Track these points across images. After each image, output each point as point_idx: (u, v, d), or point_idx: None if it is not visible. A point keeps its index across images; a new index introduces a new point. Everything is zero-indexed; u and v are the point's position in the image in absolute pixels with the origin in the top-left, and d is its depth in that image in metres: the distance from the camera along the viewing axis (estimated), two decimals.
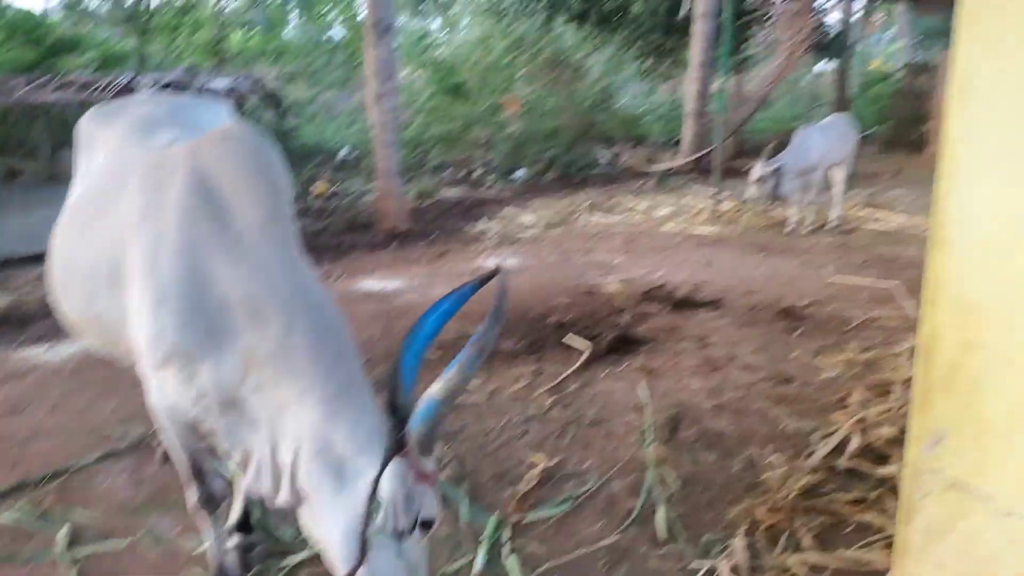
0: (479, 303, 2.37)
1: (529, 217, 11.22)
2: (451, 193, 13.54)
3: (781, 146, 9.59)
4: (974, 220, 1.91)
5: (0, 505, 3.76)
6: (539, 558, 3.31)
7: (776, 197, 9.26)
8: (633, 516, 3.59)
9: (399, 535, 2.31)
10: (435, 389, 2.25)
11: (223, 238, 2.58)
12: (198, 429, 2.79)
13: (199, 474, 2.85)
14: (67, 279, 3.07)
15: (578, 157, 16.01)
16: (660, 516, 3.56)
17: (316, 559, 3.33)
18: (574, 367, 5.27)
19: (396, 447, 2.27)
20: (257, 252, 2.57)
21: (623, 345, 5.68)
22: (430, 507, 2.36)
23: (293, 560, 3.34)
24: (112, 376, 5.28)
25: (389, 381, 2.27)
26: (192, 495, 2.87)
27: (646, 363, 5.38)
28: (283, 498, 2.49)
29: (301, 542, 3.44)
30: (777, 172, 9.03)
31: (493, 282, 2.42)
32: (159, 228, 2.62)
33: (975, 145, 1.89)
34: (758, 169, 9.10)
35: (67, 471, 4.06)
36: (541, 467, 3.99)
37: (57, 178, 12.40)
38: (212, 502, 2.89)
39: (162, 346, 2.54)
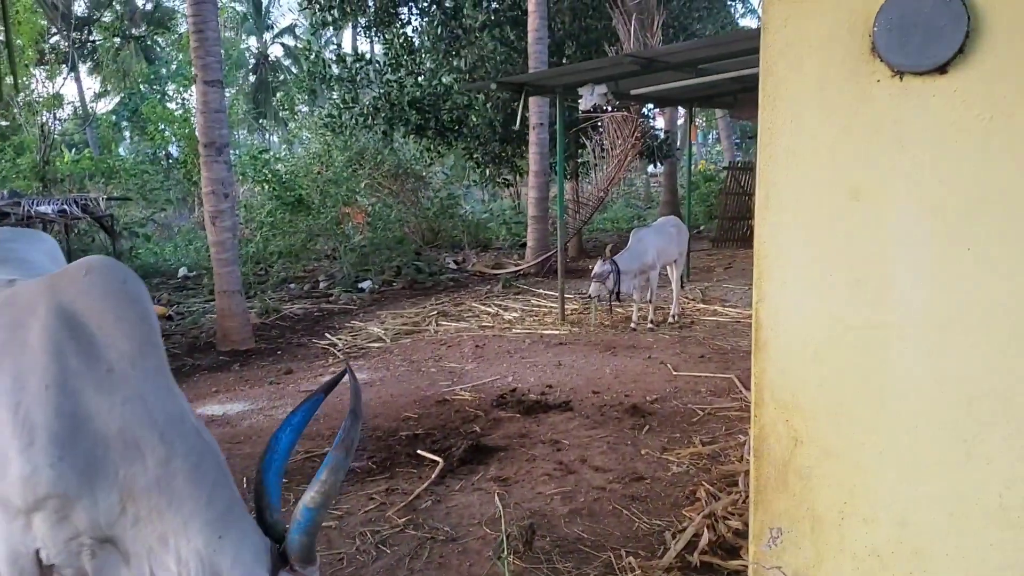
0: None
1: (377, 328, 11.13)
2: (296, 308, 13.30)
3: (619, 246, 10.00)
4: (786, 324, 2.04)
5: None
6: None
7: (618, 296, 9.60)
8: None
9: None
10: (308, 497, 2.28)
11: (94, 372, 2.49)
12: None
13: None
14: None
15: (425, 264, 16.14)
16: None
17: None
18: (426, 483, 5.18)
19: (280, 563, 2.31)
20: (131, 383, 2.50)
21: (476, 455, 5.64)
22: None
23: None
24: None
25: (255, 502, 2.28)
26: None
27: (500, 472, 5.35)
28: None
29: None
30: (616, 272, 9.39)
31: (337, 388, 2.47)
32: (21, 367, 2.48)
33: (781, 254, 2.04)
34: (597, 267, 9.46)
35: None
36: None
37: None
38: None
39: (35, 489, 2.39)
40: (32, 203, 11.24)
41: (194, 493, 2.44)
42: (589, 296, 9.72)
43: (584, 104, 10.15)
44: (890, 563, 1.99)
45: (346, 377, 2.55)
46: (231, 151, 10.92)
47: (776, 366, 2.12)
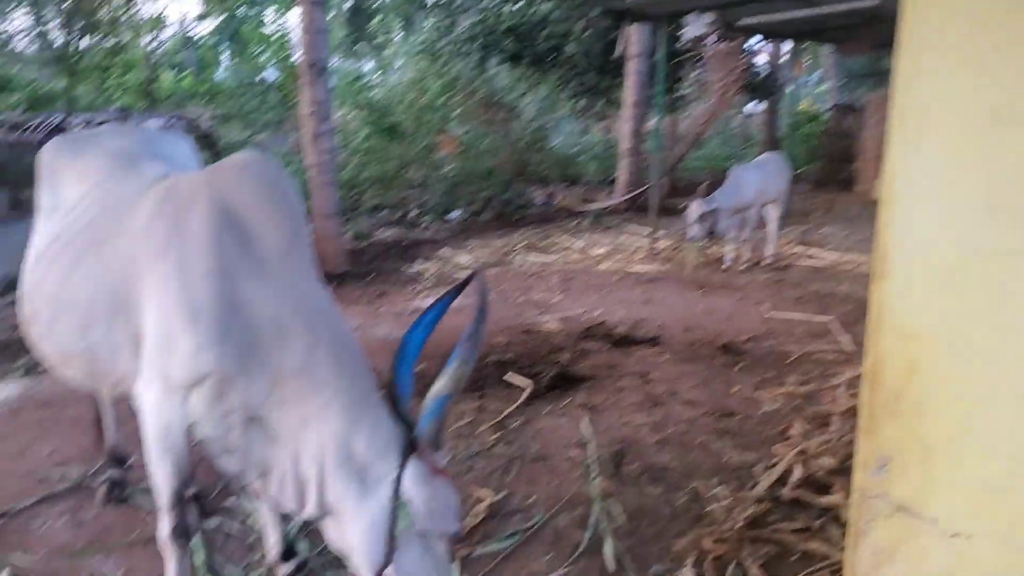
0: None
1: (465, 257, 11.25)
2: (387, 234, 13.51)
3: (714, 185, 9.83)
4: (914, 250, 2.00)
5: None
6: None
7: (712, 235, 9.47)
8: (581, 549, 3.60)
9: (424, 533, 2.47)
10: (439, 386, 2.43)
11: (249, 262, 2.68)
12: (210, 450, 2.83)
13: (179, 503, 2.81)
14: (55, 313, 3.06)
15: (514, 197, 16.14)
16: (608, 548, 3.57)
17: None
18: (516, 404, 5.28)
19: (411, 448, 2.49)
20: (281, 274, 2.70)
21: (564, 382, 5.72)
22: (453, 500, 2.53)
23: None
24: (49, 418, 5.15)
25: (388, 395, 2.46)
26: (166, 526, 2.82)
27: (587, 399, 5.42)
28: (309, 511, 2.65)
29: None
30: (713, 210, 9.24)
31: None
32: (185, 255, 2.69)
33: (914, 177, 1.99)
34: (697, 208, 9.26)
35: (3, 515, 3.91)
36: (487, 502, 3.97)
37: None
38: (185, 535, 2.85)
39: (199, 366, 2.61)
40: (140, 119, 11.60)
41: (334, 380, 2.62)
42: (688, 237, 9.57)
43: (688, 33, 9.90)
44: (1003, 497, 1.96)
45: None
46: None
47: (897, 293, 2.09)
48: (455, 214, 15.03)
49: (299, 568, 3.34)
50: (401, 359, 2.56)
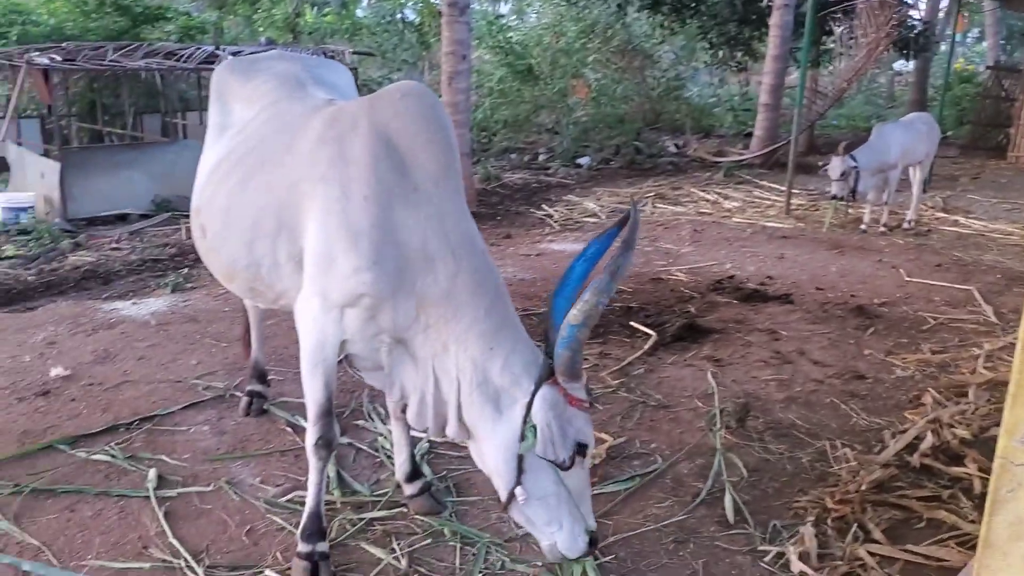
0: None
1: (593, 204, 11.20)
2: (516, 177, 13.58)
3: (854, 144, 9.41)
4: None
5: (93, 444, 3.93)
6: (603, 530, 3.36)
7: (852, 195, 9.10)
8: (700, 498, 3.61)
9: (557, 458, 2.60)
10: (572, 315, 2.50)
11: (404, 188, 2.80)
12: (359, 367, 3.05)
13: (326, 415, 2.96)
14: (224, 228, 3.25)
15: (645, 146, 15.91)
16: (728, 500, 3.57)
17: (393, 516, 3.45)
18: (640, 352, 5.29)
19: (547, 375, 2.60)
20: (432, 202, 2.81)
21: (690, 334, 5.68)
22: (584, 431, 2.64)
23: (368, 515, 3.44)
24: (195, 332, 5.48)
25: (543, 320, 2.57)
26: (313, 436, 2.98)
27: (713, 352, 5.37)
28: (450, 431, 2.84)
29: (376, 497, 3.56)
30: (855, 169, 8.87)
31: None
32: (347, 178, 2.82)
33: None
34: (840, 164, 8.86)
35: (153, 418, 4.22)
36: (607, 445, 4.03)
37: (140, 141, 12.72)
38: (328, 447, 3.00)
39: (355, 286, 2.76)
40: (286, 51, 11.96)
41: (473, 307, 2.75)
42: (831, 196, 9.20)
43: None
44: None
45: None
46: None
47: None
48: (585, 160, 14.96)
49: (423, 490, 3.48)
50: (559, 290, 2.66)
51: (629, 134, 16.22)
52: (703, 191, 12.08)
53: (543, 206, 11.04)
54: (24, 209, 8.61)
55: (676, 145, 17.18)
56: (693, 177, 13.64)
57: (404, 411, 3.10)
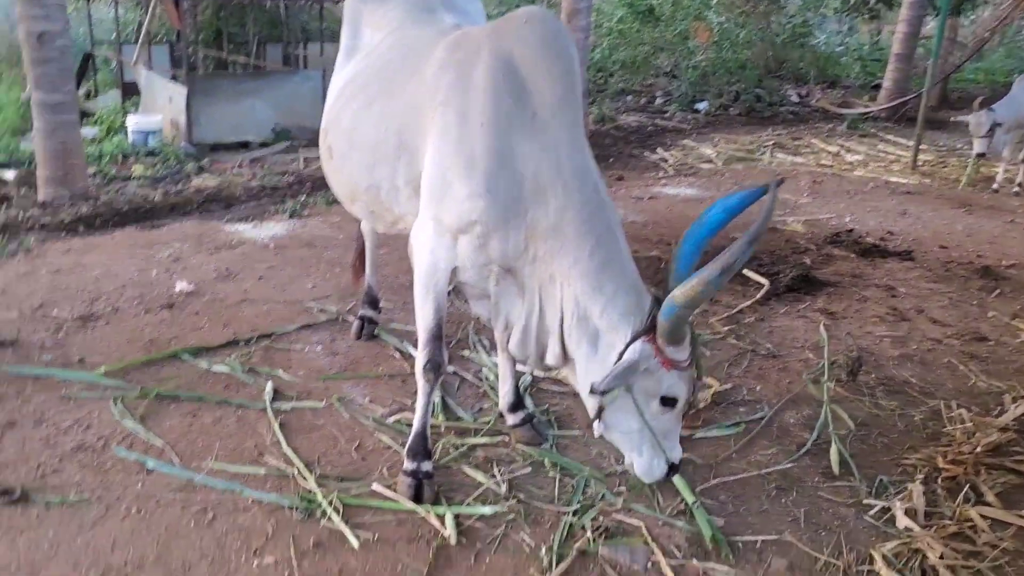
0: None
1: (709, 150, 10.94)
2: (631, 120, 13.36)
3: (990, 100, 8.86)
4: None
5: (214, 356, 4.12)
6: (706, 474, 3.35)
7: (985, 151, 8.61)
8: (805, 448, 3.55)
9: (639, 406, 2.65)
10: (676, 294, 2.47)
11: (522, 116, 2.77)
12: (468, 294, 3.11)
13: (436, 339, 3.02)
14: (348, 150, 3.33)
15: (766, 93, 15.38)
16: (834, 451, 3.50)
17: (495, 443, 3.51)
18: (751, 301, 5.19)
19: (645, 330, 2.59)
20: (549, 131, 2.76)
21: (804, 285, 5.53)
22: (675, 387, 2.64)
23: (471, 441, 3.51)
24: (311, 257, 5.65)
25: (666, 267, 2.54)
26: (422, 359, 3.06)
27: (827, 305, 5.22)
28: (550, 359, 2.88)
29: (479, 425, 3.63)
30: (992, 124, 8.36)
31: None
32: (467, 103, 2.82)
33: None
34: (986, 121, 8.34)
35: (271, 335, 4.38)
36: (713, 390, 3.99)
37: (262, 71, 13.03)
38: (437, 370, 3.06)
39: (468, 213, 2.78)
40: None
41: (579, 245, 2.71)
42: (976, 154, 8.70)
43: None
44: None
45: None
46: None
47: None
48: (703, 105, 14.59)
49: (525, 420, 3.53)
50: (689, 236, 2.62)
51: (750, 81, 15.70)
52: (824, 142, 11.64)
53: (657, 150, 10.85)
54: (152, 132, 8.95)
55: (799, 94, 16.56)
56: (814, 128, 13.15)
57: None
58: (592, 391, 2.63)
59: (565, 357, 2.83)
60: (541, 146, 2.75)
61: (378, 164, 3.12)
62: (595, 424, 2.78)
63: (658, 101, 15.16)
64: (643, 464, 2.78)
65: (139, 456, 3.29)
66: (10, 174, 7.36)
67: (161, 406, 3.68)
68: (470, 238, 2.82)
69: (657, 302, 2.60)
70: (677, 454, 2.80)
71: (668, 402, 2.66)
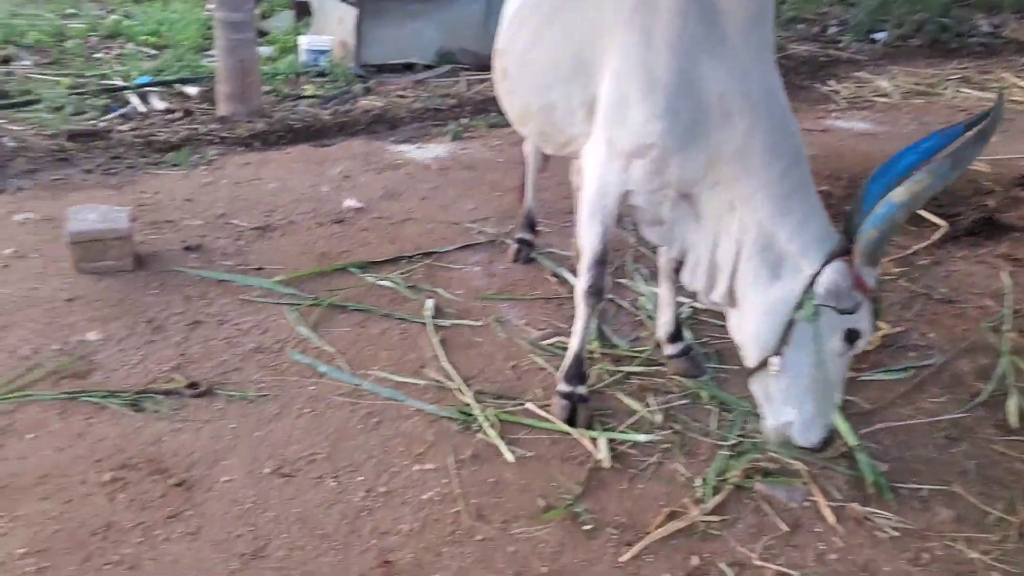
0: None
1: (886, 83, 10.27)
2: (801, 49, 12.70)
3: None
4: None
5: (380, 271, 4.27)
6: (871, 418, 3.24)
7: None
8: (980, 399, 3.38)
9: (821, 339, 2.54)
10: (897, 191, 2.37)
11: (709, 37, 2.69)
12: (640, 219, 3.05)
13: (600, 264, 3.01)
14: (522, 71, 3.31)
15: (953, 23, 14.27)
16: (1012, 404, 3.31)
17: (650, 373, 3.51)
18: (927, 242, 4.91)
19: (842, 251, 2.51)
20: (737, 53, 2.68)
21: (985, 229, 5.17)
22: (861, 320, 2.55)
23: (626, 369, 3.52)
24: (472, 179, 5.72)
25: (837, 203, 2.45)
26: (583, 283, 3.06)
27: (1011, 251, 4.86)
28: (717, 296, 2.81)
29: (635, 353, 3.63)
30: None
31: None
32: (651, 24, 2.74)
33: None
34: None
35: (432, 254, 4.50)
36: (883, 332, 3.82)
37: None
38: (599, 295, 3.06)
39: (645, 136, 2.74)
40: None
41: (766, 168, 2.62)
42: None
43: None
44: None
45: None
46: None
47: None
48: (881, 35, 13.68)
49: (683, 352, 3.50)
50: (877, 175, 2.51)
51: (935, 9, 14.55)
52: (1018, 77, 10.73)
53: (829, 82, 10.29)
54: (323, 52, 9.18)
55: (991, 24, 15.27)
56: (1007, 61, 12.10)
57: (677, 270, 3.10)
58: (795, 314, 2.56)
59: (732, 298, 2.76)
60: (728, 68, 2.65)
61: (554, 85, 3.09)
62: (772, 360, 2.64)
63: (832, 30, 14.33)
64: (805, 423, 2.66)
65: (312, 361, 3.48)
66: (192, 89, 7.76)
67: (331, 315, 3.86)
68: (644, 163, 2.77)
69: (845, 232, 2.54)
70: (836, 419, 2.70)
71: (852, 337, 2.56)
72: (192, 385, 3.26)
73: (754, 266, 2.65)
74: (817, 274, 2.52)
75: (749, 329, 2.72)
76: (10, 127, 6.48)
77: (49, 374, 3.28)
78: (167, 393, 3.21)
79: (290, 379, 3.37)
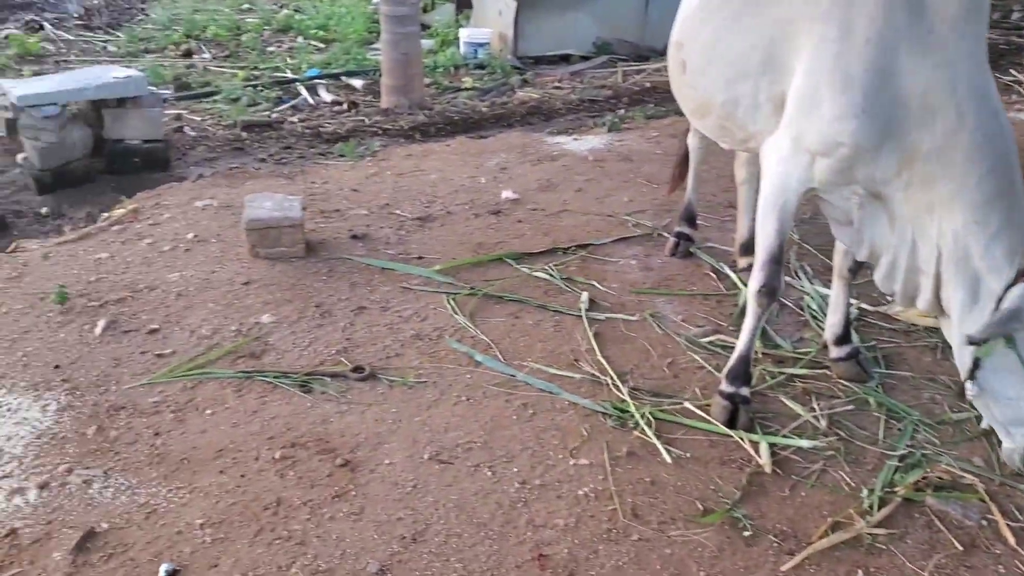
0: None
1: None
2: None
3: None
4: None
5: (535, 262, 4.30)
6: None
7: None
8: None
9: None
10: None
11: (915, 31, 2.55)
12: (828, 216, 2.97)
13: (775, 262, 2.92)
14: (705, 64, 3.25)
15: None
16: None
17: (815, 376, 3.39)
18: None
19: None
20: (946, 47, 2.53)
21: None
22: None
23: (789, 371, 3.41)
24: (628, 171, 5.68)
25: None
26: (757, 281, 2.97)
27: None
28: (921, 303, 2.69)
29: (799, 355, 3.51)
30: None
31: None
32: (850, 17, 2.64)
33: None
34: None
35: (587, 246, 4.48)
36: None
37: None
38: (772, 295, 2.97)
39: (836, 134, 2.64)
40: None
41: (965, 171, 2.45)
42: None
43: None
44: None
45: None
46: None
47: None
48: None
49: (850, 355, 3.35)
50: None
51: None
52: None
53: (1011, 71, 9.63)
54: (482, 44, 9.32)
55: None
56: None
57: (854, 270, 2.97)
58: (969, 341, 2.41)
59: (939, 304, 2.62)
60: (935, 63, 2.50)
61: (739, 79, 3.00)
62: (967, 385, 2.54)
63: (1016, 15, 13.38)
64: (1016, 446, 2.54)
65: (469, 349, 3.54)
66: (358, 82, 8.05)
67: (487, 305, 3.91)
68: (831, 161, 2.66)
69: None
70: None
71: None
72: (357, 369, 3.38)
73: (952, 280, 2.51)
74: (1002, 296, 2.36)
75: (955, 346, 2.59)
76: (191, 117, 6.91)
77: (227, 353, 3.47)
78: (334, 376, 3.34)
79: (448, 366, 3.44)
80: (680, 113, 3.83)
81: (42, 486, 2.70)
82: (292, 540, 2.53)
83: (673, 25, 3.55)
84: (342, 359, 3.45)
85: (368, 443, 2.97)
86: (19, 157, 5.53)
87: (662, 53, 9.47)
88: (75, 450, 2.89)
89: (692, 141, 4.29)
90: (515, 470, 2.85)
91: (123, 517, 2.59)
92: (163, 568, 2.38)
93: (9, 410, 3.08)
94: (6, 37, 9.00)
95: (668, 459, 2.89)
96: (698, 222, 4.50)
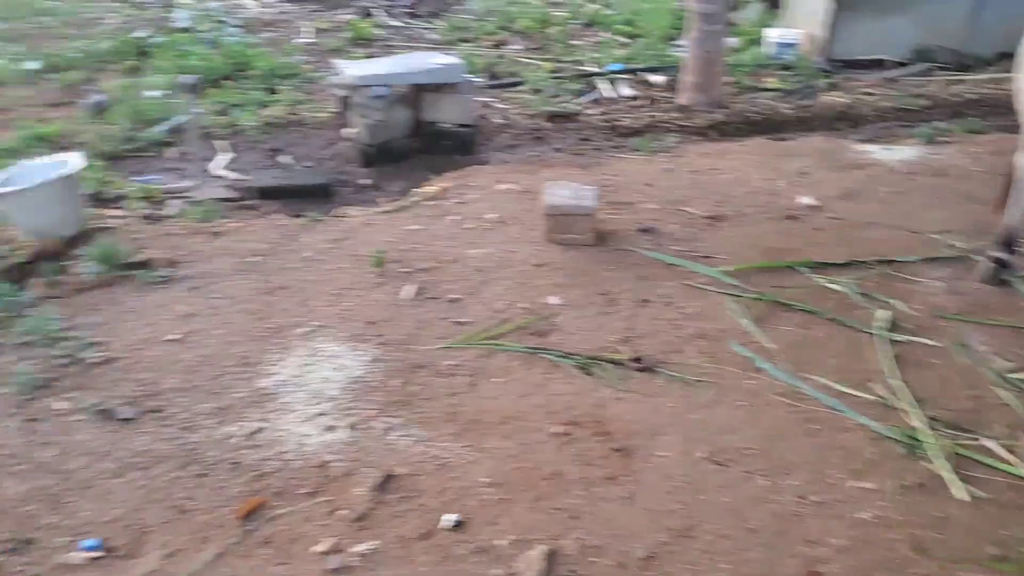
0: None
1: None
2: None
3: None
4: None
5: (830, 273, 4.13)
6: None
7: None
8: None
9: None
10: None
11: None
12: None
13: None
14: None
15: None
16: None
17: None
18: None
19: None
20: None
21: None
22: None
23: None
24: (941, 187, 5.28)
25: None
26: None
27: None
28: None
29: None
30: None
31: None
32: None
33: None
34: None
35: (891, 263, 4.23)
36: None
37: None
38: None
39: None
40: None
41: None
42: None
43: None
44: None
45: None
46: None
47: None
48: None
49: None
50: None
51: None
52: None
53: None
54: (791, 45, 8.99)
55: None
56: None
57: None
58: None
59: None
60: None
61: None
62: None
63: None
64: None
65: (752, 355, 3.47)
66: (658, 78, 8.06)
67: (773, 312, 3.81)
68: None
69: None
70: None
71: None
72: (636, 359, 3.43)
73: None
74: None
75: None
76: (498, 105, 7.27)
77: (516, 328, 3.66)
78: (614, 363, 3.42)
79: (728, 369, 3.40)
80: (1007, 130, 3.51)
81: (352, 427, 3.01)
82: (566, 512, 2.64)
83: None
84: (623, 348, 3.52)
85: (643, 433, 3.02)
86: (343, 132, 6.11)
87: (989, 63, 8.70)
88: (381, 399, 3.19)
89: (1020, 161, 3.91)
90: (793, 483, 2.77)
91: (418, 465, 2.83)
92: (450, 518, 2.58)
93: (329, 356, 3.45)
94: (348, 23, 9.95)
95: (966, 496, 2.68)
96: (1018, 248, 4.10)
